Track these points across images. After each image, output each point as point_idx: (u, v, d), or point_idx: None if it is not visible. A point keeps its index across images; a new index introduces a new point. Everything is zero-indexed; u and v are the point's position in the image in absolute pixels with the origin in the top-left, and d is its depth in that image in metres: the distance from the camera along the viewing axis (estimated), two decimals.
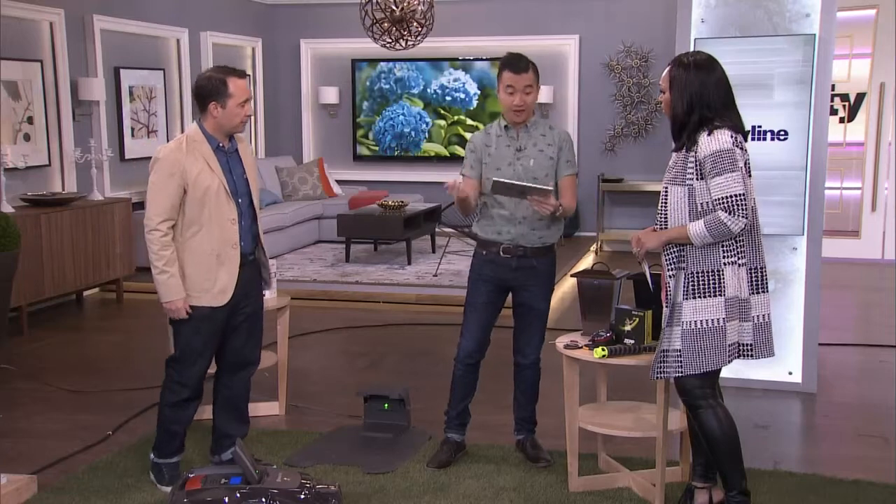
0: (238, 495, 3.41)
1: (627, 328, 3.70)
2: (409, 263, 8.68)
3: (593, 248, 9.92)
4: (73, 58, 7.67)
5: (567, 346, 3.78)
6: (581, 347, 3.75)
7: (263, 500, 3.41)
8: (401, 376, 5.53)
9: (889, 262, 9.03)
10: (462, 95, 10.50)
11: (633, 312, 3.70)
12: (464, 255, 8.85)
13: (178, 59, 9.16)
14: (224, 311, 3.84)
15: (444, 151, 10.64)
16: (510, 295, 4.15)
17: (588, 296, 3.96)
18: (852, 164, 9.23)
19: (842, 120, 9.15)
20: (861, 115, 9.13)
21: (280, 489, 3.44)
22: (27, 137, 7.25)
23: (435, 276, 8.11)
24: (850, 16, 8.80)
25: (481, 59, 10.39)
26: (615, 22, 9.99)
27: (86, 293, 7.74)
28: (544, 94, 10.11)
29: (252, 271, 3.95)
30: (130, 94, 8.44)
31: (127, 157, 8.41)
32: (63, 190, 7.52)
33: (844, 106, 9.15)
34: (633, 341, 3.68)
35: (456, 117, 10.55)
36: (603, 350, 3.63)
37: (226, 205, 3.78)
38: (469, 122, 10.51)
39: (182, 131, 9.09)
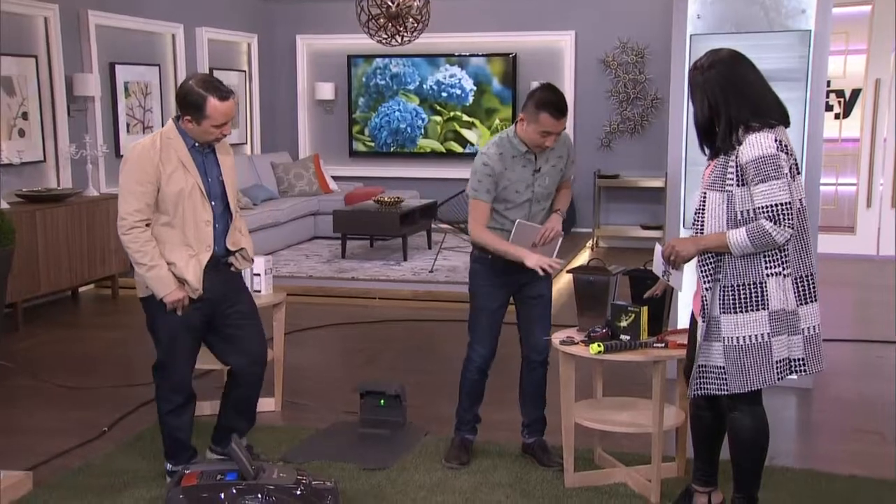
0: (234, 491, 3.41)
1: (623, 324, 3.70)
2: (406, 259, 8.67)
3: (589, 244, 9.92)
4: (68, 53, 7.64)
5: (563, 342, 3.77)
6: (577, 343, 3.75)
7: (260, 496, 3.41)
8: (397, 372, 5.53)
9: (884, 259, 9.04)
10: (458, 91, 10.48)
11: (630, 308, 3.69)
12: (460, 252, 8.84)
13: (174, 54, 9.13)
14: (200, 313, 3.76)
15: (440, 147, 10.62)
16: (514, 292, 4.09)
17: (584, 292, 3.95)
18: (847, 161, 9.23)
19: (837, 116, 9.15)
20: (856, 112, 9.13)
21: (276, 485, 3.44)
22: (22, 133, 7.23)
23: (431, 272, 8.10)
24: (846, 12, 8.80)
25: (477, 55, 10.38)
26: (611, 18, 9.98)
27: (81, 289, 7.72)
28: None
29: (228, 273, 3.85)
30: (126, 89, 8.41)
31: (122, 153, 8.39)
32: (58, 186, 7.50)
33: (840, 102, 9.15)
34: (629, 337, 3.68)
35: (452, 113, 10.54)
36: (599, 346, 3.63)
37: (200, 206, 3.67)
38: (465, 118, 10.50)
39: None
